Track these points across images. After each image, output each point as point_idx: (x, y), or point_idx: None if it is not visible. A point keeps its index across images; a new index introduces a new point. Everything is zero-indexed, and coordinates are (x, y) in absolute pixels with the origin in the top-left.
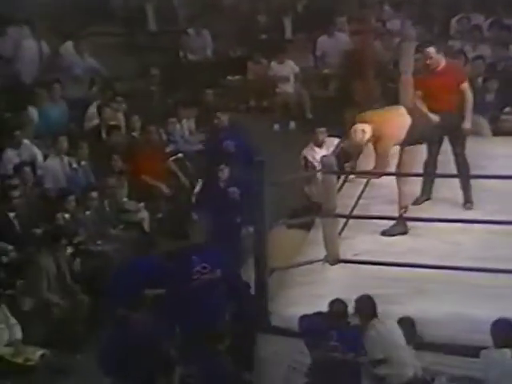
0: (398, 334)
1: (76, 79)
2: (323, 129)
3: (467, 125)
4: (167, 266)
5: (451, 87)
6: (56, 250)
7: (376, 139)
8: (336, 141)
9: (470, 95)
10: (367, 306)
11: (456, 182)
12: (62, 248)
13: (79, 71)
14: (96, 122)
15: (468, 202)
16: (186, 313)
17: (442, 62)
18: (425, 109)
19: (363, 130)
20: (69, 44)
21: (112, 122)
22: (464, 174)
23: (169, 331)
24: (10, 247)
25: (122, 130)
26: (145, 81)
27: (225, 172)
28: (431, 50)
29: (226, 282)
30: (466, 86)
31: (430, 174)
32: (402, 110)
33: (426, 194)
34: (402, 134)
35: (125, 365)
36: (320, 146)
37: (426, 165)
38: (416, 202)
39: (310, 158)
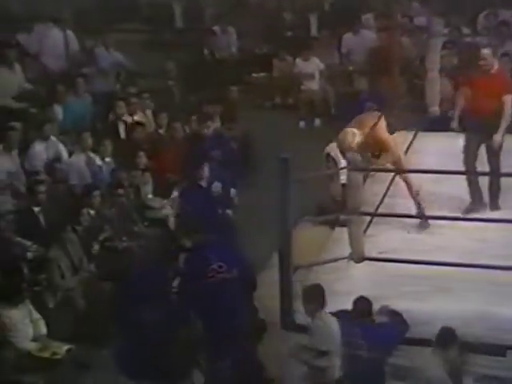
0: (337, 329)
1: (102, 73)
2: None
3: (498, 137)
4: (184, 262)
5: (497, 93)
6: (63, 240)
7: (372, 138)
8: None
9: (509, 108)
10: (317, 296)
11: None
12: (69, 239)
13: (105, 64)
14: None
15: (494, 207)
16: (201, 310)
17: (495, 64)
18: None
19: (353, 133)
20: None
21: (136, 119)
22: (495, 183)
23: (188, 328)
24: (29, 243)
25: (150, 127)
26: (169, 78)
27: (205, 170)
28: (487, 51)
29: (241, 282)
30: (509, 98)
31: (470, 172)
32: (377, 113)
33: (478, 203)
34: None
35: (147, 365)
36: None
37: (466, 167)
38: (469, 211)
39: (332, 155)
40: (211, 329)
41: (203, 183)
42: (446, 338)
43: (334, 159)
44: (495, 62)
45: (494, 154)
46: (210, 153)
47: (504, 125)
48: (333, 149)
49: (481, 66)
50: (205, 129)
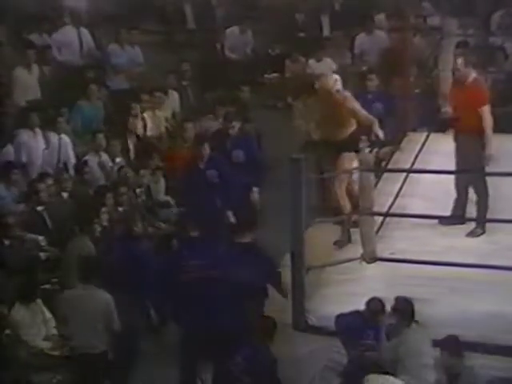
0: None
1: (115, 69)
2: (364, 137)
3: (488, 150)
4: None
5: (471, 106)
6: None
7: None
8: None
9: (489, 120)
10: None
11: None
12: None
13: (119, 61)
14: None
15: (478, 229)
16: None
17: (470, 75)
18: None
19: (336, 79)
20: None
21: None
22: (482, 205)
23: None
24: (41, 237)
25: (161, 127)
26: (182, 78)
27: (206, 149)
28: (459, 61)
29: (225, 283)
30: (485, 109)
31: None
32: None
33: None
34: None
35: None
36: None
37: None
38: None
39: None
40: (189, 328)
41: (201, 165)
42: (450, 346)
43: None
44: (469, 73)
45: (478, 183)
46: (232, 153)
47: (489, 137)
48: None
49: (456, 76)
50: (230, 129)
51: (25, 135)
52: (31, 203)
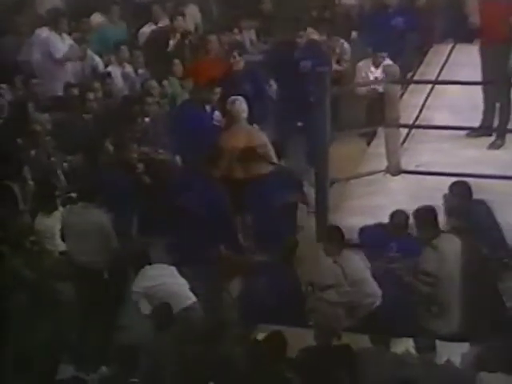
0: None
1: None
2: (385, 53)
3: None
4: None
5: (503, 16)
6: None
7: None
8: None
9: None
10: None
11: None
12: None
13: None
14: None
15: (498, 141)
16: None
17: None
18: None
19: None
20: None
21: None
22: (503, 121)
23: None
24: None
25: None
26: None
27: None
28: None
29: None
30: None
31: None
32: None
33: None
34: None
35: None
36: (377, 66)
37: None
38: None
39: (362, 74)
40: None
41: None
42: None
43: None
44: None
45: (504, 96)
46: (299, 63)
47: None
48: (365, 67)
49: None
50: (297, 38)
51: (49, 33)
52: (56, 114)
